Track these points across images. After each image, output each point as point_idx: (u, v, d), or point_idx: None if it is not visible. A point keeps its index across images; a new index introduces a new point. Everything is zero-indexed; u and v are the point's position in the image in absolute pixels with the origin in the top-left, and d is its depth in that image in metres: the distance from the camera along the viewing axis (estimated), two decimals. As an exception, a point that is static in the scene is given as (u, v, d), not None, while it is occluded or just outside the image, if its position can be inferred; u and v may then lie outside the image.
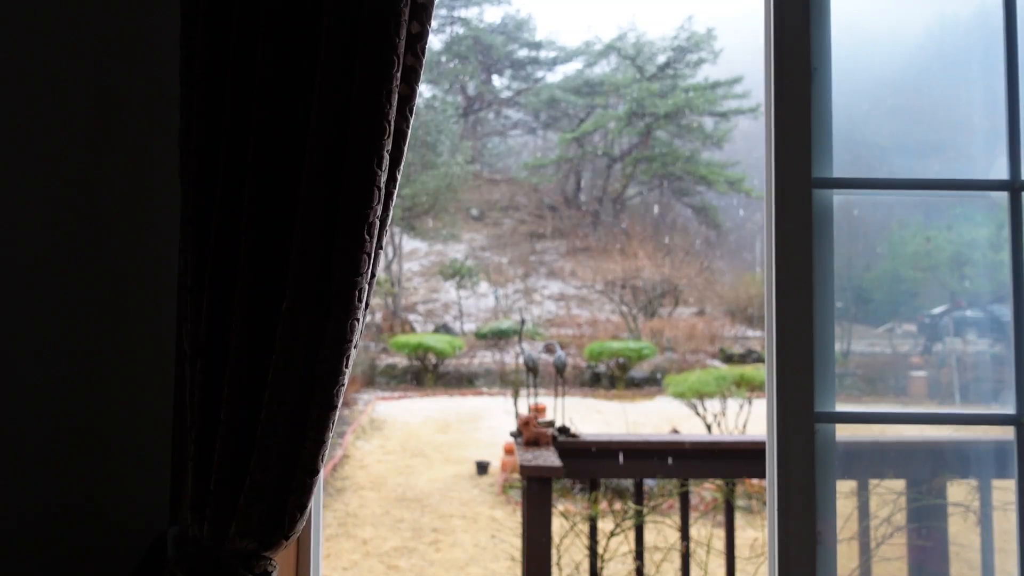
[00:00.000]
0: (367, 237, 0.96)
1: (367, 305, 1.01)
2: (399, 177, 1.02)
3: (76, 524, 1.21)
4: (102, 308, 1.22)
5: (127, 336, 1.22)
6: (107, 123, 1.23)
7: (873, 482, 1.55)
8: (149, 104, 1.21)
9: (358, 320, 0.98)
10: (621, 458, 3.68)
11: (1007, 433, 1.32)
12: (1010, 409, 1.30)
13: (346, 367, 0.98)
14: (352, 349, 0.98)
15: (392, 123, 0.97)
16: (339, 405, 0.98)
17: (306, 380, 0.97)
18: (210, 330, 0.98)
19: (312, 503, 1.02)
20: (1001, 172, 1.33)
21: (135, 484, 1.20)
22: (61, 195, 1.23)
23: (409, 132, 1.02)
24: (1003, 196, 1.33)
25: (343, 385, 0.98)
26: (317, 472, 0.98)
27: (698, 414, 8.36)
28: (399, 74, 0.97)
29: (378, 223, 0.98)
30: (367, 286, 0.99)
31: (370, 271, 0.99)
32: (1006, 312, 1.30)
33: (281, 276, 0.98)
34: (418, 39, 1.01)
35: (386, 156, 0.97)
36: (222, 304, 0.98)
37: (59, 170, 1.22)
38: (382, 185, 0.97)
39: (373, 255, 0.99)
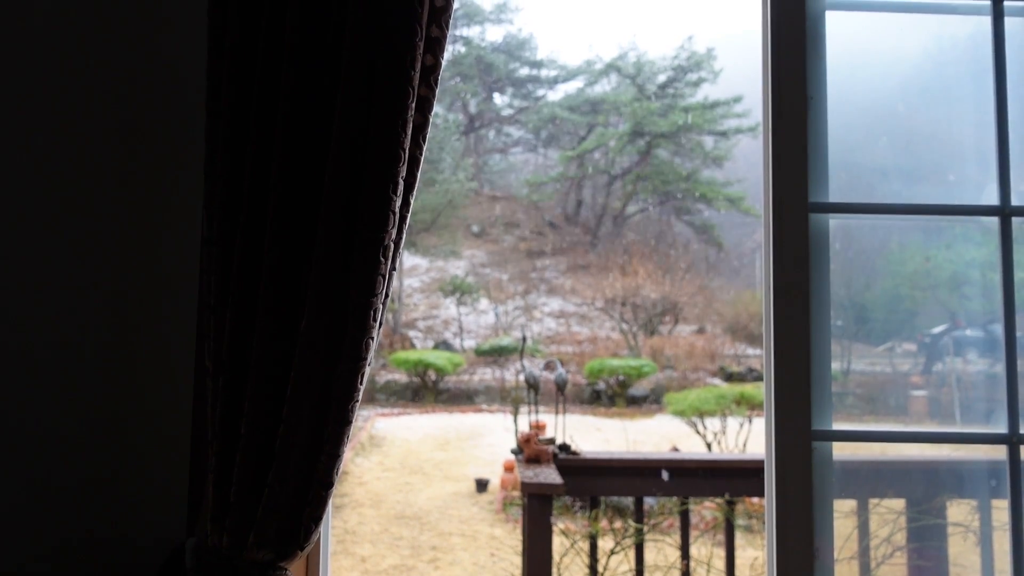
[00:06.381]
0: (382, 259, 1.00)
1: (380, 324, 1.04)
2: (412, 201, 1.06)
3: (95, 534, 1.23)
4: (120, 323, 1.25)
5: (146, 352, 1.25)
6: (132, 150, 1.27)
7: (873, 501, 1.56)
8: (172, 133, 1.26)
9: (372, 338, 1.02)
10: (621, 476, 3.69)
11: (1001, 452, 1.34)
12: (1002, 428, 1.33)
13: (360, 383, 1.01)
14: (366, 366, 1.02)
15: (407, 151, 1.01)
16: (353, 420, 1.02)
17: (323, 396, 1.00)
18: (232, 347, 1.02)
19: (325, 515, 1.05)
20: (994, 196, 1.37)
21: (153, 496, 1.22)
22: (82, 217, 1.27)
23: (422, 158, 1.07)
24: (994, 221, 1.37)
25: (357, 401, 1.02)
26: (332, 485, 1.02)
27: (698, 432, 8.34)
28: (414, 104, 1.02)
29: (392, 246, 1.02)
30: (381, 306, 1.03)
31: (384, 292, 1.03)
32: (1004, 332, 1.33)
33: (300, 296, 1.02)
34: (432, 71, 1.06)
35: (401, 182, 1.02)
36: (244, 323, 1.02)
37: (84, 193, 1.27)
38: (396, 210, 1.01)
39: (387, 276, 1.03)
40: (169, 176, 1.26)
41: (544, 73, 16.23)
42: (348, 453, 8.48)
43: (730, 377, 11.75)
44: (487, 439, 9.20)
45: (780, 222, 1.32)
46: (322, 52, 1.03)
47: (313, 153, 1.03)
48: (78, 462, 1.24)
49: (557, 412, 6.99)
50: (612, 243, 14.77)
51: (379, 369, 11.97)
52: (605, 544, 4.42)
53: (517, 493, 6.65)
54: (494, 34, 16.23)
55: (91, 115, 1.27)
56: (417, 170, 1.06)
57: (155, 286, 1.25)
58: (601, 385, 11.31)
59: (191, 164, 1.24)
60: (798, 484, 1.28)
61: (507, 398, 10.99)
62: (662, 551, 4.88)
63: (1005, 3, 1.37)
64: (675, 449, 7.76)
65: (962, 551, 1.48)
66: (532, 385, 7.08)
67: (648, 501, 5.33)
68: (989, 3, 1.38)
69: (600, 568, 4.03)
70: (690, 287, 13.58)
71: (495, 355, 12.37)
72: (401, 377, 11.78)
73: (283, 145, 1.02)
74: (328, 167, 1.01)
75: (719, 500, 4.23)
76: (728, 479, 3.76)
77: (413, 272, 14.82)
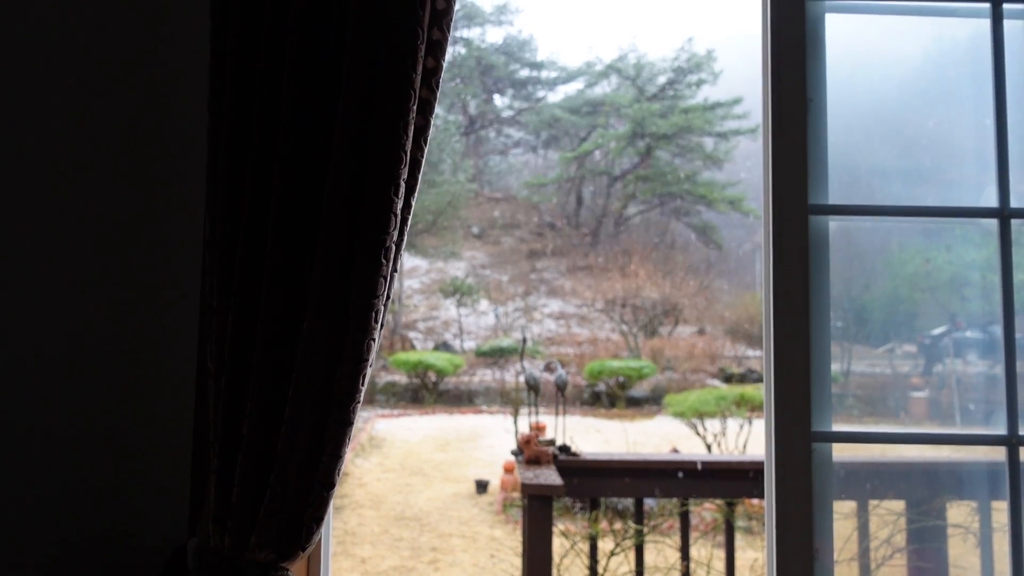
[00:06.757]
0: (384, 261, 1.01)
1: (382, 326, 1.05)
2: (414, 203, 1.07)
3: (98, 535, 1.23)
4: (122, 324, 1.26)
5: (148, 353, 1.26)
6: (134, 151, 1.28)
7: (873, 503, 1.56)
8: (174, 134, 1.27)
9: (374, 340, 1.02)
10: (621, 477, 3.70)
11: (1001, 454, 1.35)
12: (1001, 430, 1.33)
13: (362, 385, 1.02)
14: (368, 368, 1.02)
15: (408, 153, 1.02)
16: (355, 421, 1.02)
17: (324, 397, 1.01)
18: (234, 349, 1.02)
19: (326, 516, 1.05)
20: (993, 198, 1.37)
21: (155, 497, 1.23)
22: (84, 218, 1.27)
23: (423, 160, 1.07)
24: (993, 223, 1.37)
25: (359, 402, 1.02)
26: (333, 486, 1.02)
27: (698, 434, 8.34)
28: (415, 107, 1.02)
29: (394, 248, 1.03)
30: (383, 308, 1.03)
31: (386, 293, 1.03)
32: (1005, 333, 1.33)
33: (302, 298, 1.02)
34: (433, 73, 1.06)
35: (402, 184, 1.02)
36: (246, 324, 1.03)
37: (85, 194, 1.27)
38: (398, 212, 1.02)
39: (388, 278, 1.03)
40: (171, 177, 1.26)
41: (544, 74, 16.24)
42: (348, 454, 8.43)
43: (730, 378, 11.75)
44: (487, 440, 9.20)
45: (780, 224, 1.32)
46: (323, 55, 1.03)
47: (314, 155, 1.03)
48: (80, 463, 1.24)
49: (557, 413, 6.99)
50: (612, 244, 14.78)
51: (379, 370, 11.96)
52: (605, 545, 4.43)
53: (517, 494, 6.65)
54: (494, 35, 16.27)
55: (93, 116, 1.27)
56: (418, 172, 1.06)
57: (157, 288, 1.26)
58: (601, 386, 11.31)
59: (193, 166, 1.24)
60: (798, 485, 1.28)
61: (507, 399, 11.00)
62: (662, 552, 4.88)
63: (1004, 6, 1.38)
64: (675, 450, 7.77)
65: (962, 552, 1.48)
66: (532, 386, 7.07)
67: (648, 502, 5.33)
68: (988, 5, 1.39)
69: (600, 569, 4.03)
70: (690, 288, 13.58)
71: (495, 356, 12.37)
72: (401, 378, 11.78)
73: (285, 147, 1.02)
74: (329, 169, 1.01)
75: (719, 501, 4.24)
76: (728, 480, 3.76)
77: (413, 273, 14.82)
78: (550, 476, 3.60)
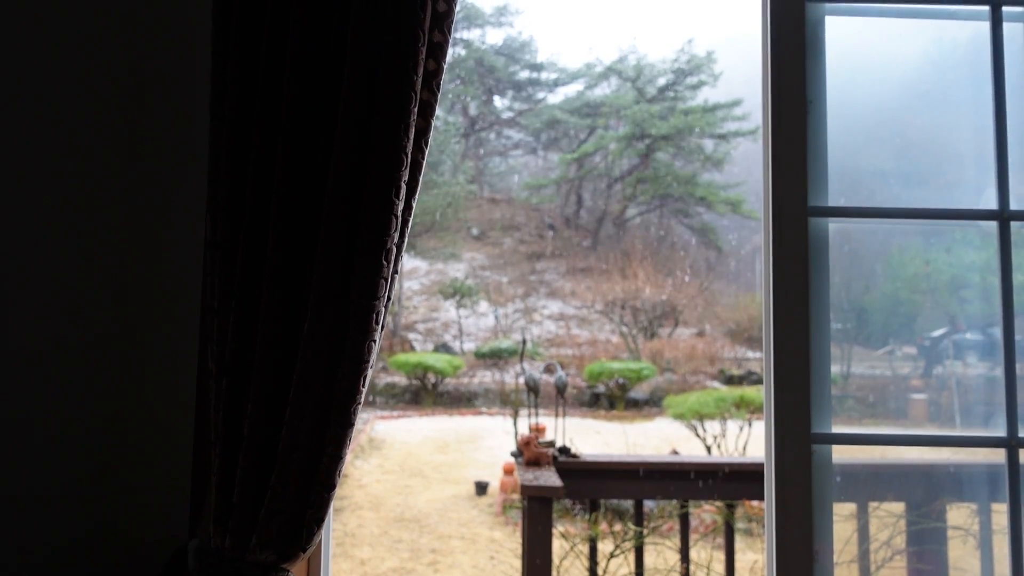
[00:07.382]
0: (384, 263, 1.01)
1: (383, 327, 1.05)
2: (415, 205, 1.07)
3: (99, 535, 1.23)
4: (124, 325, 1.26)
5: (150, 353, 1.26)
6: (135, 152, 1.28)
7: (873, 505, 1.56)
8: (176, 136, 1.27)
9: (374, 341, 1.02)
10: (621, 479, 3.70)
11: (1000, 456, 1.35)
12: (1001, 432, 1.33)
13: (363, 386, 1.02)
14: (368, 369, 1.02)
15: (409, 155, 1.02)
16: (355, 423, 1.02)
17: (325, 398, 1.01)
18: (235, 350, 1.02)
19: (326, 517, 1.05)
20: (993, 200, 1.38)
21: (156, 498, 1.23)
22: (86, 219, 1.27)
23: (424, 163, 1.07)
24: (993, 225, 1.37)
25: (359, 404, 1.02)
26: (334, 487, 1.02)
27: (698, 435, 8.34)
28: (416, 109, 1.02)
29: (395, 249, 1.03)
30: (383, 309, 1.03)
31: (386, 295, 1.03)
32: (1004, 335, 1.33)
33: (303, 299, 1.02)
34: (434, 76, 1.06)
35: (403, 186, 1.02)
36: (247, 325, 1.03)
37: (87, 195, 1.27)
38: (399, 214, 1.02)
39: (389, 279, 1.03)
40: (172, 178, 1.27)
41: (544, 76, 16.26)
42: (348, 456, 8.41)
43: (730, 380, 11.75)
44: (487, 442, 9.20)
45: (780, 226, 1.32)
46: (324, 57, 1.04)
47: (316, 157, 1.04)
48: (82, 463, 1.24)
49: (557, 415, 6.99)
50: (612, 246, 14.78)
51: (379, 372, 11.95)
52: (605, 547, 4.43)
53: (517, 496, 6.65)
54: (494, 37, 16.28)
55: (94, 118, 1.27)
56: (419, 174, 1.07)
57: (158, 288, 1.26)
58: (601, 388, 11.31)
59: (194, 167, 1.24)
60: (798, 487, 1.28)
61: (507, 401, 10.99)
62: (662, 554, 4.88)
63: (1004, 8, 1.38)
64: (675, 452, 7.76)
65: (962, 555, 1.48)
66: (532, 388, 7.07)
67: (648, 504, 5.33)
68: (988, 8, 1.39)
69: (600, 571, 4.03)
70: (690, 290, 13.59)
71: (495, 358, 12.36)
72: (401, 380, 11.78)
73: (286, 148, 1.02)
74: (330, 171, 1.01)
75: (719, 503, 4.24)
76: (728, 482, 3.76)
77: (413, 274, 14.82)
78: (550, 478, 3.60)
